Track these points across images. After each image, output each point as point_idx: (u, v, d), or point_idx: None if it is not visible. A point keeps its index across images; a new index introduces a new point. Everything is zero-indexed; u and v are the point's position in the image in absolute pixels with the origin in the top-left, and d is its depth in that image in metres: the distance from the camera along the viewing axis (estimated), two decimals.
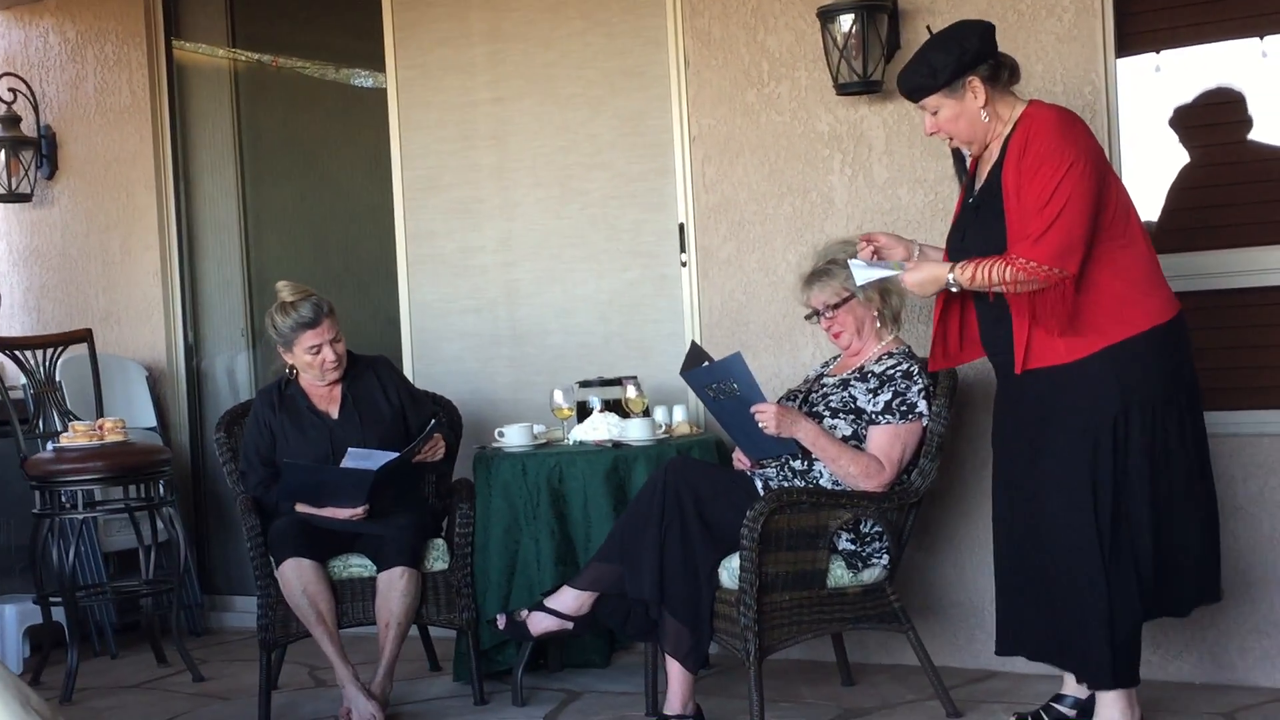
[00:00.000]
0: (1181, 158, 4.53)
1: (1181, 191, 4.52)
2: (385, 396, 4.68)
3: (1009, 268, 3.44)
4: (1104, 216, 3.49)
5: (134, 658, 5.50)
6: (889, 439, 4.02)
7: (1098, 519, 3.50)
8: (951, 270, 3.57)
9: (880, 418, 4.04)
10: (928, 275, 3.65)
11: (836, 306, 4.18)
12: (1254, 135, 4.45)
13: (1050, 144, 3.45)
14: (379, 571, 4.43)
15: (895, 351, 4.16)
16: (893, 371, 4.09)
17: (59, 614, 5.15)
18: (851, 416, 4.07)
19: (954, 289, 3.59)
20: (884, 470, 4.01)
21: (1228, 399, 4.46)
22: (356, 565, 4.52)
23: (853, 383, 4.14)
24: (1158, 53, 4.54)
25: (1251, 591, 4.30)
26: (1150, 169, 4.54)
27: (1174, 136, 4.52)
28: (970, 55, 3.56)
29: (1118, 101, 4.49)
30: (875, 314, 4.18)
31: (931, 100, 3.62)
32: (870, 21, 4.60)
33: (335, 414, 4.61)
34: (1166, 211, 4.53)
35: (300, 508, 4.51)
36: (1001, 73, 3.61)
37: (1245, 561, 4.30)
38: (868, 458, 4.01)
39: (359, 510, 4.46)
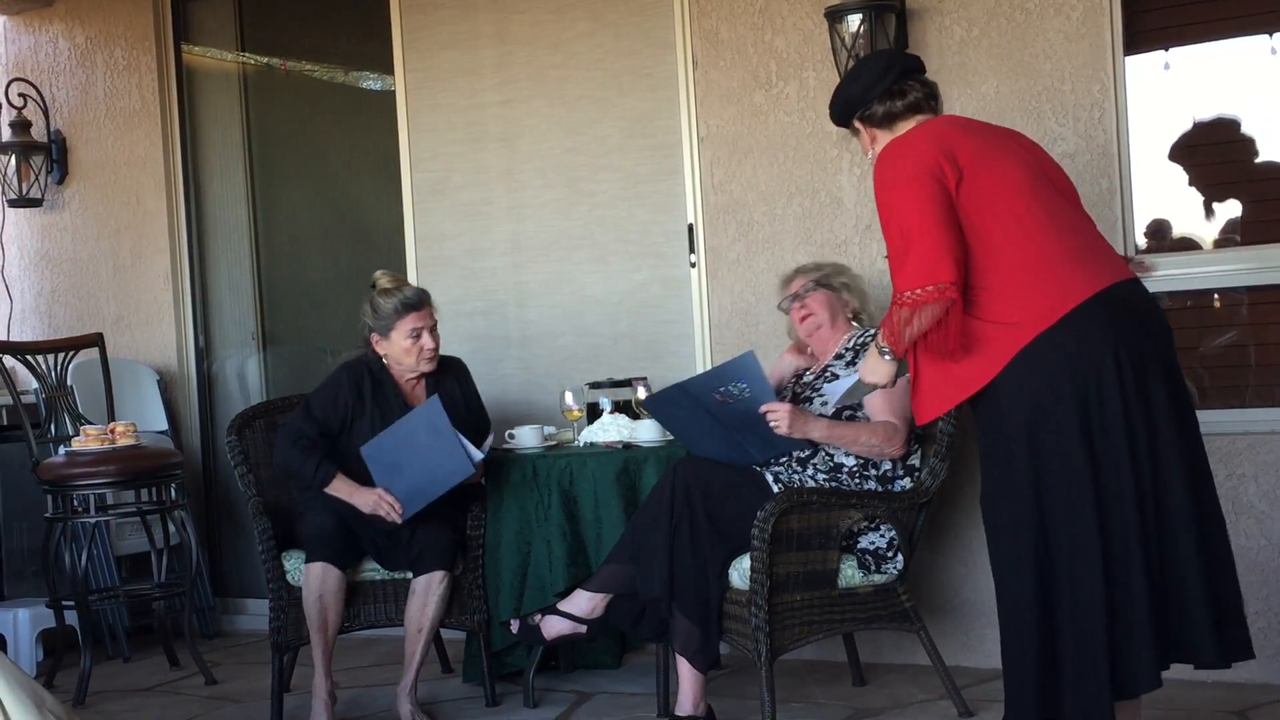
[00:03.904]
0: (1192, 155, 4.53)
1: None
2: (464, 403, 4.63)
3: (900, 308, 3.14)
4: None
5: (147, 661, 5.51)
6: (883, 399, 4.03)
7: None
8: (876, 342, 3.28)
9: None
10: (870, 360, 3.32)
11: (814, 289, 4.27)
12: (1263, 133, 4.45)
13: (879, 183, 3.28)
14: (416, 575, 4.41)
15: (860, 331, 4.27)
16: (863, 340, 4.20)
17: (72, 617, 5.15)
18: None
19: (887, 356, 3.24)
20: (899, 428, 4.04)
21: (1240, 396, 4.46)
22: (369, 569, 4.52)
23: (830, 365, 4.22)
24: (1166, 50, 4.54)
25: (1265, 589, 4.29)
26: (1159, 166, 4.53)
27: (1184, 133, 4.52)
28: (841, 102, 3.49)
29: (1127, 99, 4.48)
30: (849, 311, 4.29)
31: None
32: (878, 21, 4.60)
33: None
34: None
35: (337, 482, 4.38)
36: (875, 111, 3.43)
37: (1259, 559, 4.30)
38: (882, 425, 4.04)
39: (394, 509, 4.35)
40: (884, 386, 3.37)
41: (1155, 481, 3.13)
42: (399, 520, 4.37)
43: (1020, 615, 3.19)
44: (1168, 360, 3.21)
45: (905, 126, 3.40)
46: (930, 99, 3.45)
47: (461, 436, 4.36)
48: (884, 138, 3.43)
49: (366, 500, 4.37)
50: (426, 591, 4.38)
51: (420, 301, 4.52)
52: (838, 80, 4.73)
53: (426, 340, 4.51)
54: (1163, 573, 3.12)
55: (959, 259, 3.12)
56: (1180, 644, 3.15)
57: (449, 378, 4.65)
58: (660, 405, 4.17)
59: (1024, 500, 3.16)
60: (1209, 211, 4.55)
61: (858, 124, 3.48)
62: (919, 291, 3.11)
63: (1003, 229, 3.16)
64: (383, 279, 4.58)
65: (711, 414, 4.01)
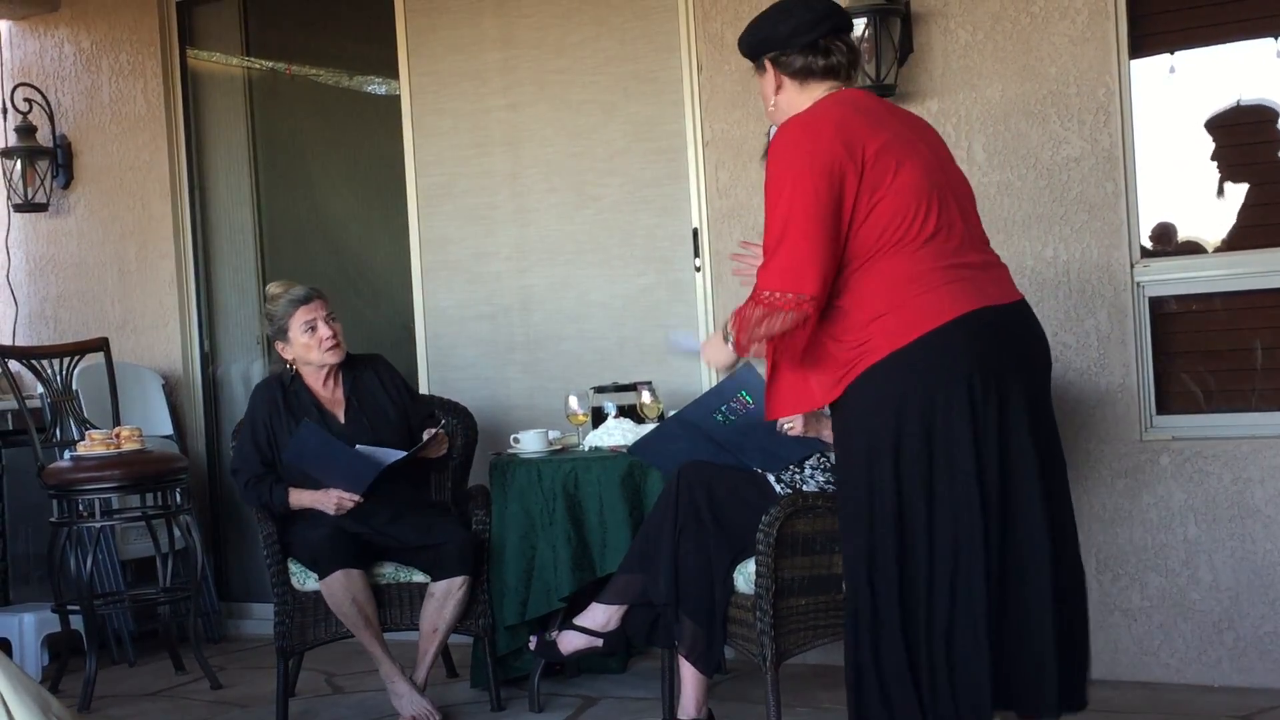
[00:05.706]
0: (1196, 159, 4.52)
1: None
2: (388, 395, 4.68)
3: (756, 306, 3.05)
4: (864, 226, 3.02)
5: (152, 665, 5.51)
6: None
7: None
8: (724, 327, 3.19)
9: None
10: (715, 342, 3.29)
11: None
12: (1268, 135, 4.45)
13: (773, 160, 3.05)
14: (436, 580, 4.43)
15: None
16: None
17: (77, 622, 5.15)
18: None
19: (730, 344, 3.19)
20: None
21: (1246, 400, 4.45)
22: (378, 573, 4.51)
23: None
24: (1172, 54, 4.53)
25: (1271, 594, 4.29)
26: (1165, 171, 4.53)
27: (1189, 137, 4.51)
28: (761, 36, 3.18)
29: (1132, 103, 4.48)
30: None
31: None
32: (883, 25, 4.60)
33: (342, 417, 4.60)
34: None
35: (294, 496, 4.46)
36: (794, 60, 3.15)
37: (1265, 564, 4.29)
38: None
39: (351, 498, 4.41)
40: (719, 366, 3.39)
41: (1006, 522, 2.98)
42: (361, 499, 4.41)
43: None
44: (1036, 392, 3.06)
45: (816, 90, 3.15)
46: (851, 66, 3.20)
47: (360, 449, 4.41)
48: (790, 91, 3.17)
49: (327, 503, 4.43)
50: (446, 596, 4.41)
51: (308, 296, 4.56)
52: None
53: (323, 329, 4.52)
54: (1008, 618, 2.99)
55: (827, 275, 2.98)
56: (1016, 691, 3.02)
57: (368, 376, 4.68)
58: (650, 445, 4.13)
59: (860, 519, 3.07)
60: (1214, 214, 4.54)
61: (768, 63, 3.19)
62: (778, 295, 3.00)
63: (884, 237, 3.01)
64: (272, 287, 4.67)
65: (711, 438, 3.97)
